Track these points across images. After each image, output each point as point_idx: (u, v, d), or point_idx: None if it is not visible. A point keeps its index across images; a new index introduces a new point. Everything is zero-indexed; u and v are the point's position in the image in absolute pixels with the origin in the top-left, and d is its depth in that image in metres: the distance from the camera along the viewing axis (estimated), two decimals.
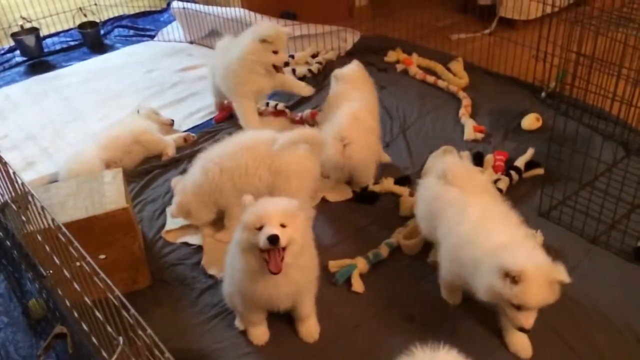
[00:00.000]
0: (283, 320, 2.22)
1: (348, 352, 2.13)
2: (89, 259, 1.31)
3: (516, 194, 2.86)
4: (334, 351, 2.13)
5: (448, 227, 2.15)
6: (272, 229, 1.86)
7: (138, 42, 5.07)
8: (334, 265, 2.48)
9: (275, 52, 3.23)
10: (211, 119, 3.73)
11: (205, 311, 2.32)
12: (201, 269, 2.52)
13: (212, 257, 2.54)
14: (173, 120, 3.60)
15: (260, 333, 2.18)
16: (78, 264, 2.23)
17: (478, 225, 2.03)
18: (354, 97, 2.97)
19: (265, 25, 3.38)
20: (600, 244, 2.52)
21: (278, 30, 3.25)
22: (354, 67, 3.18)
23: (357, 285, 2.39)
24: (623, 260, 2.43)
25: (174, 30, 5.07)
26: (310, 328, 2.18)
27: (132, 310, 1.13)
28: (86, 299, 1.46)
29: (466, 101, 3.64)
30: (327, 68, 4.22)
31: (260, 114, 3.65)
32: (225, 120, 3.67)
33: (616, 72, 2.86)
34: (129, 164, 3.24)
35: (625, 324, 2.14)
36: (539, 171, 2.94)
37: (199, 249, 2.64)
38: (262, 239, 1.86)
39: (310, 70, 4.15)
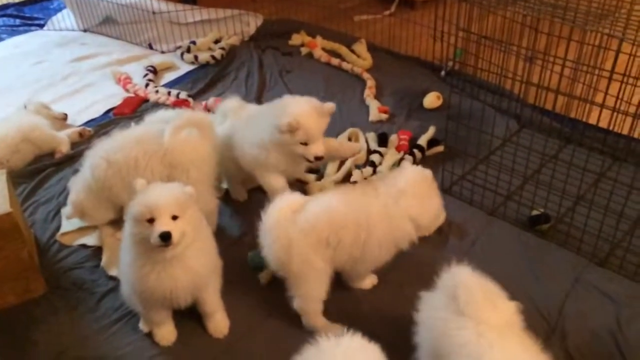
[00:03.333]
0: (191, 318, 2.14)
1: (259, 344, 2.09)
2: None
3: None
4: (245, 345, 2.09)
5: None
6: (162, 225, 1.79)
7: (25, 32, 4.72)
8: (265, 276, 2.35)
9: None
10: (109, 112, 3.54)
11: (107, 315, 2.20)
12: (101, 271, 2.38)
13: (113, 257, 2.41)
14: (66, 115, 3.38)
15: (166, 333, 2.09)
16: None
17: None
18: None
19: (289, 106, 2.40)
20: (498, 215, 2.63)
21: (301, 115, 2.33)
22: (418, 172, 2.18)
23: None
24: (519, 229, 2.55)
25: (65, 18, 4.74)
26: (218, 323, 2.12)
27: None
28: None
29: (370, 82, 3.68)
30: (231, 54, 4.11)
31: (162, 104, 3.52)
32: (126, 115, 3.48)
33: (506, 49, 2.98)
34: (18, 163, 3.00)
35: (524, 292, 2.24)
36: (440, 149, 3.02)
37: (99, 250, 2.49)
38: (153, 236, 1.79)
39: (213, 57, 4.04)
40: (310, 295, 2.05)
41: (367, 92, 3.59)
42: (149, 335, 2.10)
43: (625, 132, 2.79)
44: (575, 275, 2.30)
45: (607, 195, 2.34)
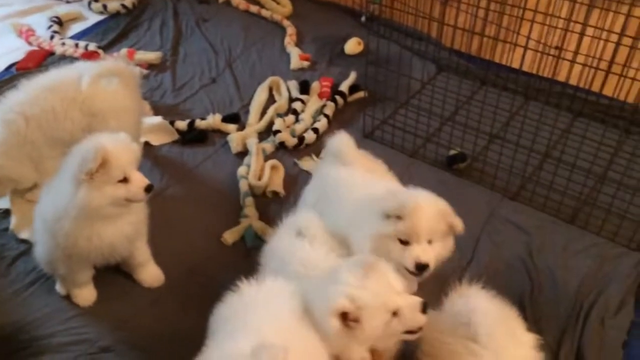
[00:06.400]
0: (108, 277, 2.09)
1: (182, 298, 2.07)
2: None
3: (342, 118, 2.94)
4: (168, 299, 2.07)
5: None
6: (142, 176, 1.81)
7: None
8: (230, 235, 2.30)
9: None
10: (12, 67, 3.29)
11: (20, 279, 2.11)
12: (11, 235, 2.26)
13: (23, 219, 2.28)
14: None
15: (87, 293, 2.04)
16: None
17: None
18: None
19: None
20: (419, 156, 2.69)
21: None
22: None
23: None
24: (438, 169, 2.62)
25: None
26: (152, 272, 2.10)
27: None
28: None
29: (291, 30, 3.60)
30: (143, 2, 3.89)
31: (69, 56, 3.31)
32: (30, 69, 3.23)
33: None
34: None
35: None
36: (361, 94, 3.03)
37: (7, 212, 2.36)
38: (138, 192, 1.80)
39: (124, 6, 3.79)
40: None
41: (287, 39, 3.51)
42: (67, 297, 2.04)
43: (534, 71, 2.88)
44: (490, 209, 2.41)
45: (518, 133, 2.43)
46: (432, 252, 1.72)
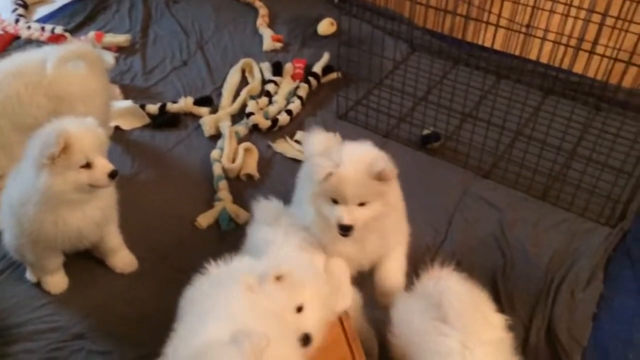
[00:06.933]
0: (80, 264, 2.07)
1: (153, 285, 2.05)
2: None
3: (316, 100, 2.92)
4: (140, 287, 2.05)
5: None
6: (107, 162, 1.77)
7: None
8: (204, 219, 2.29)
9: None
10: None
11: None
12: None
13: None
14: None
15: (58, 281, 2.01)
16: None
17: None
18: None
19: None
20: (392, 137, 2.69)
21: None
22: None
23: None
24: (411, 149, 2.63)
25: None
26: (125, 258, 2.08)
27: None
28: None
29: (263, 11, 3.55)
30: None
31: (35, 40, 3.23)
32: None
33: None
34: None
35: (417, 207, 2.28)
36: (334, 75, 3.01)
37: None
38: (102, 178, 1.76)
39: None
40: None
41: (259, 20, 3.46)
42: (37, 284, 2.01)
43: (506, 49, 2.89)
44: (463, 188, 2.42)
45: (490, 111, 2.44)
46: (360, 214, 1.64)
